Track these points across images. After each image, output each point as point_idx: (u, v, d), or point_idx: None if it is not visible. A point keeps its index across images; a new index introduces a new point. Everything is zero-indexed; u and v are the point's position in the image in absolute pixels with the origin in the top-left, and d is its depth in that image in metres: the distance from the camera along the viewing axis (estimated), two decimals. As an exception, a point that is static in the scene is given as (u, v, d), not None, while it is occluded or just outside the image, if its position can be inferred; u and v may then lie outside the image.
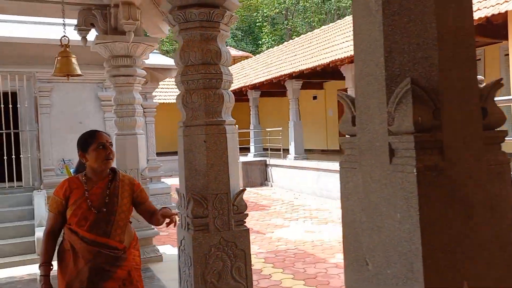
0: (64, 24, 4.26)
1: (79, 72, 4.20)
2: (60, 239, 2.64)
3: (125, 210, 2.65)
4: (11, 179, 7.57)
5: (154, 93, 11.24)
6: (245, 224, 3.01)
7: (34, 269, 5.58)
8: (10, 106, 7.50)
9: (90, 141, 2.62)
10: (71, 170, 5.40)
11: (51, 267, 2.55)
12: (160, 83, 11.47)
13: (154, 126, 10.87)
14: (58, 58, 4.12)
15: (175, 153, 19.36)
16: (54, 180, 7.89)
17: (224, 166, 2.94)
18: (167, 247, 6.61)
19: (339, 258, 6.16)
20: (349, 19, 14.27)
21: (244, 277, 2.93)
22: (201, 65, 2.90)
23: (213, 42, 2.94)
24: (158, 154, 11.55)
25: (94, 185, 2.61)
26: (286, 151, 14.84)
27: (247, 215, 3.02)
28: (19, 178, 7.64)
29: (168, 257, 5.87)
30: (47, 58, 7.79)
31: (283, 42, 26.98)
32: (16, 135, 7.66)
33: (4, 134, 7.51)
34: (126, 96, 5.72)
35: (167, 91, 20.18)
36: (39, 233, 6.52)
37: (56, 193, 2.60)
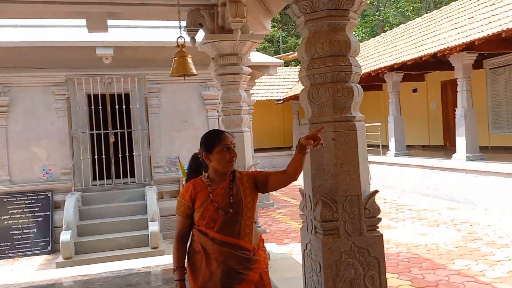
0: (180, 26, 4.33)
1: (194, 71, 4.25)
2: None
3: (250, 208, 2.54)
4: (125, 176, 8.07)
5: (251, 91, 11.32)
6: (378, 229, 2.76)
7: (149, 262, 5.84)
8: (124, 107, 7.99)
9: (216, 142, 2.55)
10: (184, 167, 5.56)
11: (185, 271, 2.51)
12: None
13: (251, 124, 10.96)
14: (175, 58, 4.20)
15: (267, 149, 19.57)
16: (163, 177, 8.28)
17: (355, 166, 2.71)
18: (272, 245, 6.53)
19: (460, 264, 5.61)
20: (456, 4, 13.11)
21: (378, 287, 2.69)
22: (329, 57, 2.70)
23: (341, 32, 2.72)
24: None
25: (217, 186, 2.54)
26: (384, 147, 14.11)
27: (380, 219, 2.77)
28: (132, 175, 8.12)
29: (274, 255, 5.79)
30: (155, 60, 8.18)
31: (375, 34, 25.83)
32: (129, 134, 8.14)
33: (119, 133, 8.02)
34: (233, 94, 5.72)
35: (259, 89, 20.38)
36: (152, 227, 6.85)
37: (182, 196, 2.56)
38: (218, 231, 2.44)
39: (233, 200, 2.49)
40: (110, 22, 5.81)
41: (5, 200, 7.43)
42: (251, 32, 6.17)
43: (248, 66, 5.91)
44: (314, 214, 2.74)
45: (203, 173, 2.72)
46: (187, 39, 5.26)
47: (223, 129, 2.79)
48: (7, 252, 7.13)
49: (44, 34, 7.46)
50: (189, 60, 4.18)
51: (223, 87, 5.79)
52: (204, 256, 2.45)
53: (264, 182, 2.56)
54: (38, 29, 7.65)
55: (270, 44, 34.76)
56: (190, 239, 2.57)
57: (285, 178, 2.52)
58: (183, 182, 5.54)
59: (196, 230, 2.51)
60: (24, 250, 7.20)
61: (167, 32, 8.07)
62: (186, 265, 2.54)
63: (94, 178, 8.02)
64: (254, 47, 5.86)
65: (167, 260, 5.92)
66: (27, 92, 7.75)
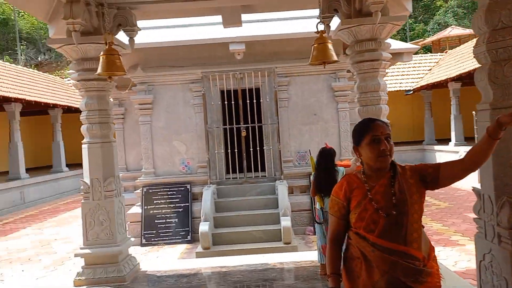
0: (320, 14, 4.10)
1: (335, 58, 3.96)
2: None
3: (417, 209, 2.16)
4: (256, 170, 8.15)
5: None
6: None
7: (283, 258, 5.73)
8: (254, 101, 8.06)
9: (364, 134, 2.21)
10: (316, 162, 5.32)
11: (340, 278, 2.24)
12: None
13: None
14: (314, 45, 3.95)
15: (395, 144, 18.40)
16: (292, 171, 8.17)
17: (555, 161, 2.16)
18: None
19: None
20: None
21: None
22: (518, 26, 2.19)
23: (536, -7, 2.19)
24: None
25: (376, 183, 2.20)
26: None
27: None
28: (263, 169, 8.16)
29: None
30: (285, 53, 8.09)
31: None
32: (260, 128, 8.19)
33: (250, 128, 8.12)
34: (371, 83, 5.30)
35: (386, 79, 19.26)
36: (285, 222, 6.76)
37: (336, 194, 2.29)
38: (380, 235, 2.12)
39: (396, 199, 2.14)
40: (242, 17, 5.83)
41: (150, 191, 8.04)
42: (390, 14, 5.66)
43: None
44: (498, 220, 2.26)
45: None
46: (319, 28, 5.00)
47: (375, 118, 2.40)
48: (152, 239, 7.71)
49: (182, 34, 7.85)
50: (330, 46, 3.89)
51: (360, 76, 5.41)
52: (364, 263, 2.15)
53: (435, 176, 2.15)
54: (176, 29, 8.09)
55: (396, 32, 32.78)
56: (346, 242, 2.30)
57: (463, 169, 2.07)
58: (311, 178, 5.31)
59: (353, 233, 2.22)
60: (167, 238, 7.71)
61: (296, 23, 7.90)
62: (341, 271, 2.27)
63: (227, 172, 8.25)
64: (394, 31, 5.38)
65: (301, 257, 5.77)
66: (168, 90, 8.27)
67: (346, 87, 8.22)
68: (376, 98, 5.30)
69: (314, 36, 4.42)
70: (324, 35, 3.97)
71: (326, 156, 5.11)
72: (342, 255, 2.29)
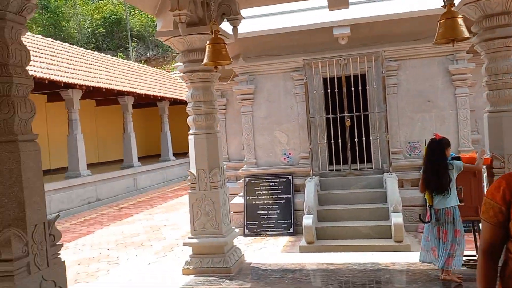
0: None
1: (467, 34, 3.40)
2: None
3: None
4: (361, 161, 7.68)
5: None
6: None
7: (396, 258, 5.28)
8: (360, 88, 7.57)
9: None
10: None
11: None
12: None
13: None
14: (441, 21, 3.43)
15: None
16: (402, 163, 7.58)
17: None
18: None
19: None
20: None
21: None
22: None
23: None
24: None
25: None
26: None
27: None
28: (369, 160, 7.67)
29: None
30: (394, 35, 7.47)
31: None
32: (365, 117, 7.69)
33: (354, 117, 7.67)
34: (502, 64, 4.62)
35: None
36: (396, 218, 6.27)
37: (491, 195, 1.86)
38: (551, 251, 1.68)
39: None
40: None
41: (252, 181, 8.02)
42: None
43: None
44: None
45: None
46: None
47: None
48: (255, 230, 7.69)
49: (283, 21, 7.61)
50: (460, 21, 3.35)
51: (489, 56, 4.74)
52: (530, 284, 1.73)
53: None
54: (277, 17, 7.87)
55: None
56: (504, 255, 1.87)
57: None
58: (421, 171, 4.75)
59: (515, 246, 1.80)
60: (269, 229, 7.62)
61: (405, 1, 7.22)
62: (499, 288, 1.86)
63: (330, 163, 7.91)
64: (532, 0, 4.56)
65: (415, 257, 5.24)
66: (269, 79, 8.14)
67: (466, 70, 7.34)
68: (509, 81, 4.63)
69: (428, 15, 3.89)
70: (452, 8, 3.43)
71: (436, 148, 4.52)
72: (500, 270, 1.88)
